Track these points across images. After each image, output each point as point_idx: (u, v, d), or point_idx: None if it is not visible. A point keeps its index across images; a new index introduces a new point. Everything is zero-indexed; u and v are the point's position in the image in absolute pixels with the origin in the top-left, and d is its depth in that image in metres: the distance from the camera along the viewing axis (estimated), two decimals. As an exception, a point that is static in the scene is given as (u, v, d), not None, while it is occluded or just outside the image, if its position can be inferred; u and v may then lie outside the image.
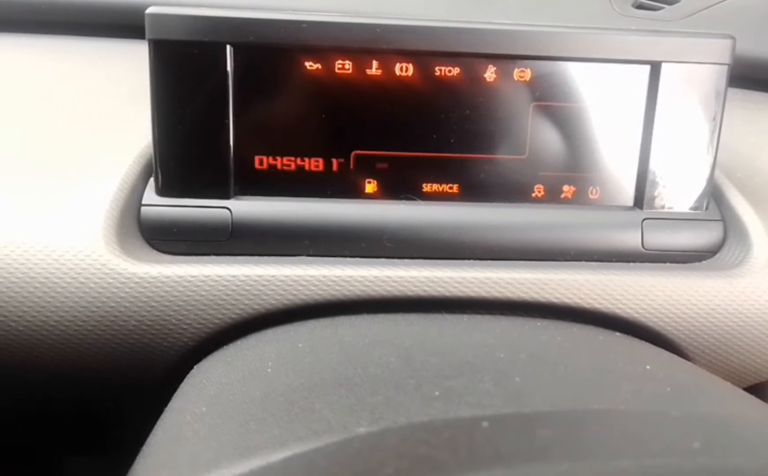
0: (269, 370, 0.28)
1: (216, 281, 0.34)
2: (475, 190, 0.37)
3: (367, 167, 0.36)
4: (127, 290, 0.33)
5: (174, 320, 0.34)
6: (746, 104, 0.50)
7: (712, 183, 0.38)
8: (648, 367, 0.28)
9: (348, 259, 0.36)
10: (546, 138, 0.37)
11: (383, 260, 0.36)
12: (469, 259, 0.37)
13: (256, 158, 0.36)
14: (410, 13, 0.36)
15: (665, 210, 0.38)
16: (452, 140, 0.36)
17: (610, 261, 0.38)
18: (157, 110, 0.35)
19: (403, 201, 0.37)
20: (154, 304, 0.34)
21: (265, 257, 0.36)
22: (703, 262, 0.38)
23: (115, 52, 0.49)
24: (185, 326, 0.34)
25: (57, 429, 0.44)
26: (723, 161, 0.41)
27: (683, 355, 0.37)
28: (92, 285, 0.33)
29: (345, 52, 0.35)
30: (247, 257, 0.36)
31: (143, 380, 0.35)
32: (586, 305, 0.36)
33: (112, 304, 0.33)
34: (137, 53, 0.38)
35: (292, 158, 0.36)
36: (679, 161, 0.37)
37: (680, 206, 0.38)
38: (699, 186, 0.38)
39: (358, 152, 0.36)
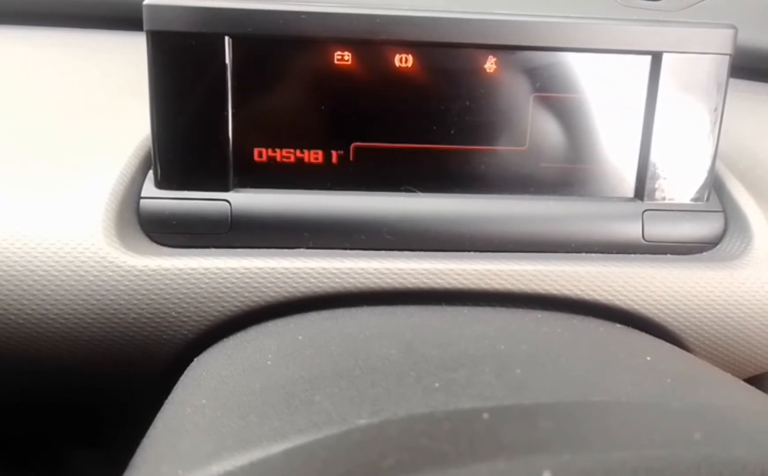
0: (269, 362, 0.28)
1: (216, 273, 0.34)
2: (475, 182, 0.37)
3: (367, 159, 0.36)
4: (127, 283, 0.33)
5: (174, 313, 0.34)
6: (747, 95, 0.49)
7: (713, 174, 0.38)
8: (648, 359, 0.28)
9: (348, 251, 0.36)
10: (546, 129, 0.37)
11: (383, 252, 0.36)
12: (469, 251, 0.37)
13: (256, 150, 0.36)
14: (410, 3, 0.36)
15: (666, 201, 0.38)
16: (452, 132, 0.36)
17: (611, 253, 0.37)
18: (155, 103, 0.34)
19: (403, 193, 0.37)
20: (153, 297, 0.34)
21: (265, 250, 0.35)
22: (704, 253, 0.38)
23: (113, 45, 0.49)
24: (185, 319, 0.34)
25: (57, 421, 0.44)
26: (724, 152, 0.40)
27: (684, 347, 0.37)
28: (92, 278, 0.33)
29: (344, 42, 0.34)
30: (247, 249, 0.36)
31: (143, 372, 0.35)
32: (587, 297, 0.36)
33: (112, 297, 0.33)
34: (135, 45, 0.38)
35: (292, 150, 0.36)
36: (680, 152, 0.37)
37: (681, 198, 0.38)
38: (700, 177, 0.38)
39: (358, 144, 0.36)
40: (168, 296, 0.34)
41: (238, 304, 0.34)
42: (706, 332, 0.37)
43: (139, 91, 0.37)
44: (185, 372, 0.32)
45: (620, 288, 0.36)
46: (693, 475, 0.17)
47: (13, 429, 0.47)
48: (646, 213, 0.38)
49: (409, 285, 0.35)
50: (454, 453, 0.18)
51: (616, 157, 0.38)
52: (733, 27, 0.36)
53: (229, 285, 0.34)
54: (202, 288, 0.34)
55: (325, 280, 0.34)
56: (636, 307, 0.36)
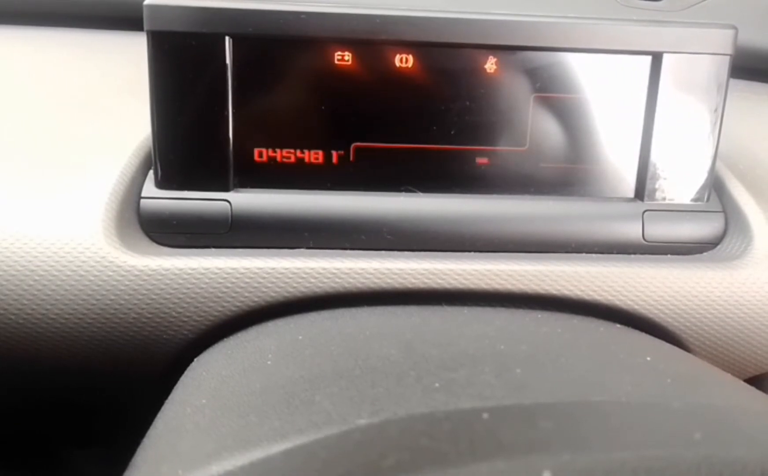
0: (269, 362, 0.28)
1: (216, 273, 0.34)
2: (475, 182, 0.37)
3: (367, 159, 0.36)
4: (127, 282, 0.33)
5: (174, 313, 0.34)
6: (748, 95, 0.49)
7: (713, 175, 0.38)
8: (649, 359, 0.28)
9: (348, 251, 0.36)
10: (547, 130, 0.37)
11: (383, 252, 0.36)
12: (469, 251, 0.37)
13: (256, 150, 0.36)
14: (410, 3, 0.36)
15: (666, 202, 0.38)
16: (452, 132, 0.36)
17: (611, 253, 0.37)
18: (155, 103, 0.34)
19: (403, 193, 0.37)
20: (153, 297, 0.34)
21: (265, 250, 0.35)
22: (704, 254, 0.38)
23: (113, 45, 0.49)
24: (185, 319, 0.34)
25: (57, 421, 0.44)
26: (724, 152, 0.40)
27: (684, 347, 0.37)
28: (92, 278, 0.33)
29: (345, 43, 0.34)
30: (247, 249, 0.36)
31: (144, 372, 0.35)
32: (587, 297, 0.36)
33: (112, 297, 0.33)
34: (135, 45, 0.38)
35: (292, 150, 0.36)
36: (680, 152, 0.37)
37: (681, 198, 0.38)
38: (700, 178, 0.38)
39: (358, 144, 0.36)
40: (168, 296, 0.34)
41: (238, 304, 0.34)
42: (706, 333, 0.37)
43: (139, 91, 0.37)
44: (185, 372, 0.32)
45: (620, 288, 0.36)
46: (693, 475, 0.17)
47: (13, 429, 0.47)
48: (646, 213, 0.38)
49: (409, 285, 0.35)
50: (454, 453, 0.18)
51: (616, 157, 0.38)
52: (734, 27, 0.36)
53: (229, 285, 0.34)
54: (202, 288, 0.34)
55: (325, 280, 0.34)
56: (636, 307, 0.36)
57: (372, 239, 0.36)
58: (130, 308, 0.34)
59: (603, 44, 0.36)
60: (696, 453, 0.18)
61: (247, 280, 0.34)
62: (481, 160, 0.37)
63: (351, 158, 0.36)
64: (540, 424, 0.20)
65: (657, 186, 0.38)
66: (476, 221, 0.37)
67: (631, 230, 0.38)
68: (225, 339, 0.34)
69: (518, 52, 0.35)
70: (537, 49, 0.35)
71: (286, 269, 0.34)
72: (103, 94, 0.42)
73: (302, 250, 0.36)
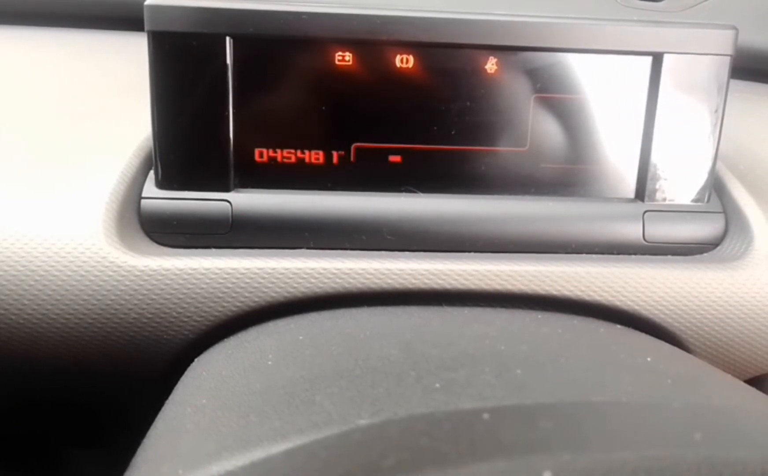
0: (270, 362, 0.28)
1: (216, 274, 0.34)
2: (476, 182, 0.37)
3: (368, 160, 0.36)
4: (128, 283, 0.33)
5: (174, 313, 0.34)
6: (748, 96, 0.49)
7: (713, 175, 0.38)
8: (649, 359, 0.28)
9: (348, 252, 0.36)
10: (547, 130, 0.37)
11: (384, 252, 0.36)
12: (469, 252, 0.37)
13: (256, 151, 0.36)
14: (411, 3, 0.36)
15: (667, 202, 0.38)
16: (453, 132, 0.36)
17: (611, 254, 0.37)
18: (156, 103, 0.34)
19: (404, 194, 0.37)
20: (154, 297, 0.34)
21: (266, 250, 0.36)
22: (705, 254, 0.38)
23: (113, 45, 0.49)
24: (185, 319, 0.34)
25: (57, 421, 0.44)
26: (725, 153, 0.40)
27: (684, 347, 0.37)
28: (92, 278, 0.33)
29: (345, 43, 0.34)
30: (248, 249, 0.36)
31: (144, 372, 0.35)
32: (587, 298, 0.36)
33: (113, 297, 0.33)
34: (135, 45, 0.38)
35: (293, 151, 0.36)
36: (680, 152, 0.37)
37: (682, 198, 0.38)
38: (701, 178, 0.38)
39: (359, 144, 0.36)
40: (168, 297, 0.34)
41: (239, 304, 0.34)
42: (707, 333, 0.37)
43: (140, 91, 0.37)
44: (186, 372, 0.32)
45: (621, 289, 0.36)
46: (693, 475, 0.17)
47: (13, 429, 0.47)
48: (646, 214, 0.38)
49: (410, 286, 0.35)
50: (454, 453, 0.18)
51: (616, 158, 0.38)
52: (734, 28, 0.36)
53: (230, 285, 0.34)
54: (202, 288, 0.34)
55: (326, 280, 0.34)
56: (636, 308, 0.36)
57: (372, 240, 0.36)
58: (130, 309, 0.34)
59: (603, 45, 0.36)
60: (696, 454, 0.18)
61: (248, 280, 0.34)
62: (482, 160, 0.37)
63: (351, 159, 0.36)
64: (540, 424, 0.20)
65: (657, 187, 0.38)
66: (476, 222, 0.37)
67: (631, 231, 0.38)
68: (225, 339, 0.34)
69: (519, 52, 0.35)
70: (537, 50, 0.35)
71: (287, 269, 0.34)
72: (103, 94, 0.42)
73: (303, 250, 0.36)
